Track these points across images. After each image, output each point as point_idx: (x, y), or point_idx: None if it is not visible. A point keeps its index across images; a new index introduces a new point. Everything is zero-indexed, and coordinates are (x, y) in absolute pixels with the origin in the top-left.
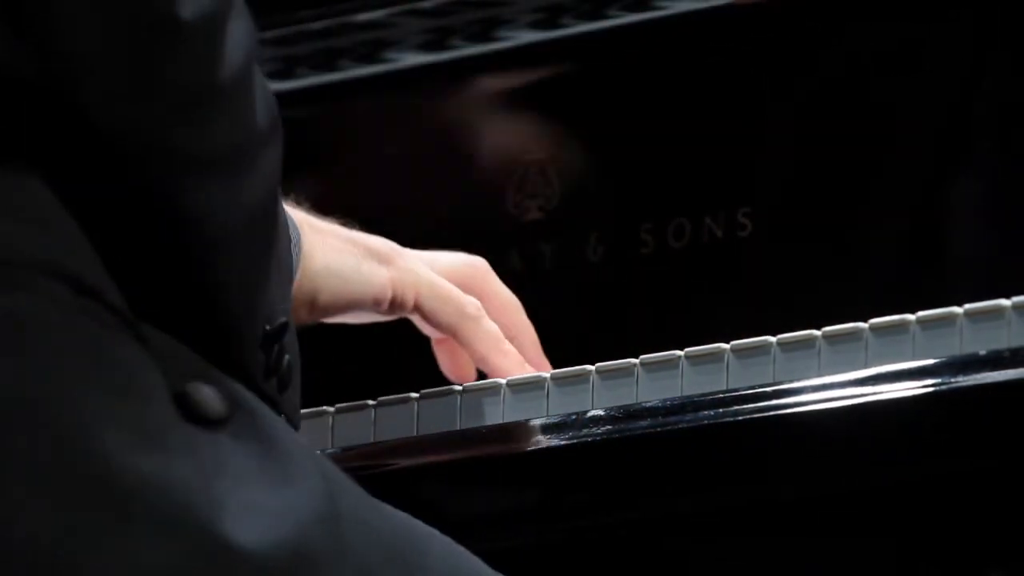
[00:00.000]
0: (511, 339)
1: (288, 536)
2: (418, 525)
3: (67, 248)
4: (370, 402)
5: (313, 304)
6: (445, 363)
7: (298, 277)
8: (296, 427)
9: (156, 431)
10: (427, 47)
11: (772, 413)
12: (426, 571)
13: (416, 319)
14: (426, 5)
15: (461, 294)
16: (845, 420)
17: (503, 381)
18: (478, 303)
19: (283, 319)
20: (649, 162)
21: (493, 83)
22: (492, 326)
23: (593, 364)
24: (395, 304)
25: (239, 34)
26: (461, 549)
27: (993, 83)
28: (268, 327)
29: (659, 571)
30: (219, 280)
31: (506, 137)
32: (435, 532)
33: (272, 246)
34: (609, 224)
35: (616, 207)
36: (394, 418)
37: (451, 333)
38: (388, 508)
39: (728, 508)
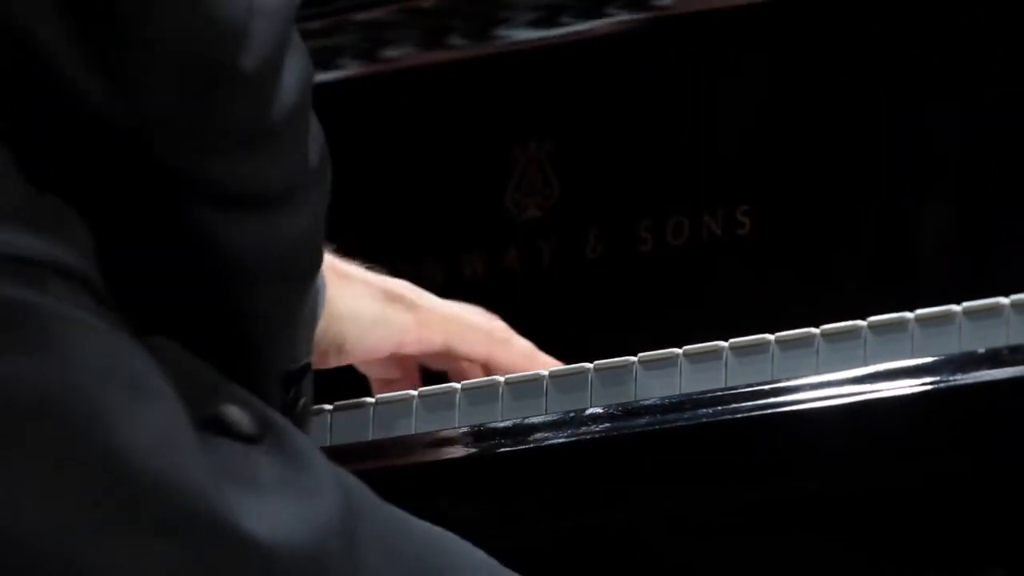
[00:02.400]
0: None
1: (304, 540)
2: (449, 545)
3: (89, 263)
4: (369, 400)
5: (340, 349)
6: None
7: (323, 322)
8: None
9: (175, 436)
10: (426, 46)
11: (771, 411)
12: None
13: (435, 360)
14: (425, 4)
15: (487, 321)
16: (844, 418)
17: (501, 379)
18: (504, 325)
19: (305, 360)
20: (648, 160)
21: (492, 81)
22: (523, 342)
23: (591, 362)
24: (422, 344)
25: (293, 74)
26: (493, 564)
27: (991, 81)
28: (292, 366)
29: (658, 570)
30: (252, 311)
31: (504, 135)
32: (468, 550)
33: (308, 285)
34: (608, 222)
35: (615, 205)
36: (394, 418)
37: (485, 361)
38: (417, 527)
39: (726, 506)
